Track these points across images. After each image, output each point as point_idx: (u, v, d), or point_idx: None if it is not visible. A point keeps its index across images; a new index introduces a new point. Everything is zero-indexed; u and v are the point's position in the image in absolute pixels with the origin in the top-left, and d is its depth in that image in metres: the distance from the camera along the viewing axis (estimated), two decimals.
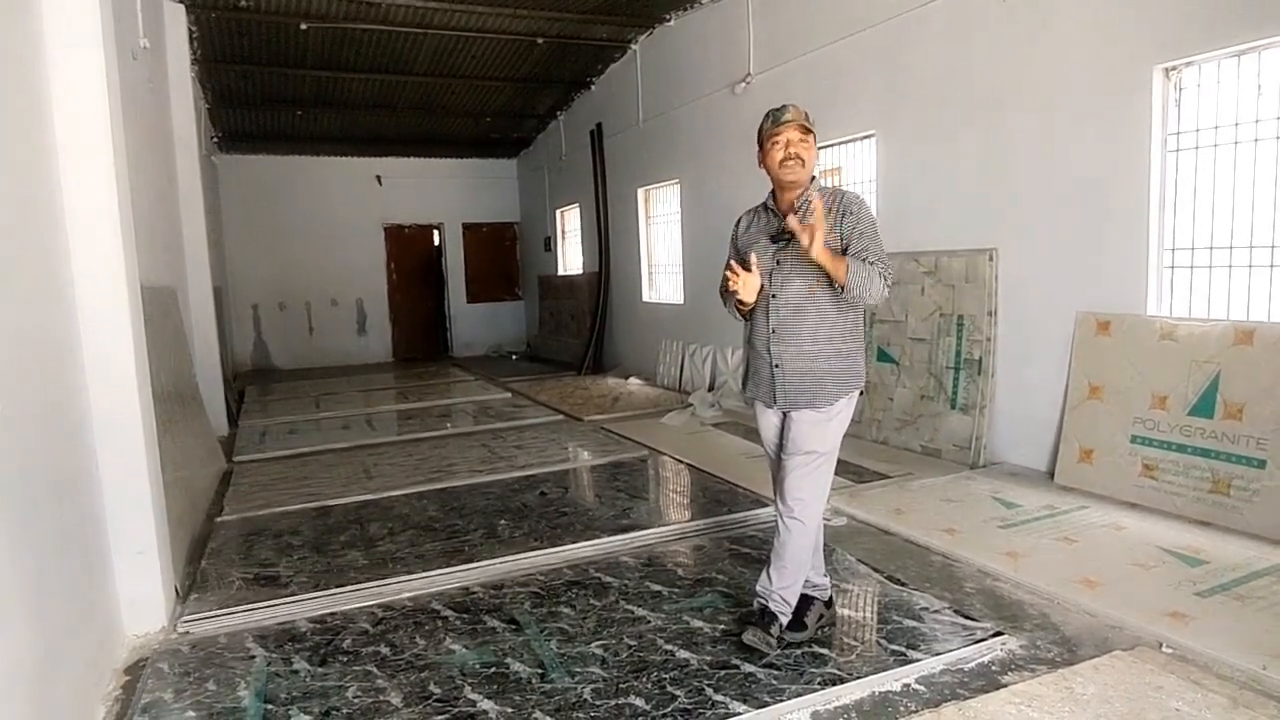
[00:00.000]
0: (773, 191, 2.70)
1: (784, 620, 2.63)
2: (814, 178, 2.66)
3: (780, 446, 2.74)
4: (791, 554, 2.62)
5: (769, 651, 2.57)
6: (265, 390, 9.87)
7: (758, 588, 2.70)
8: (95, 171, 2.76)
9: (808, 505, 2.62)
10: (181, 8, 6.84)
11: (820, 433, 2.61)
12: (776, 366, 2.64)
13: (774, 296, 2.61)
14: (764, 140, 2.63)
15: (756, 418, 2.84)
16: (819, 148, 6.50)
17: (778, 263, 2.60)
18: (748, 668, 2.52)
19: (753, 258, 2.58)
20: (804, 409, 2.61)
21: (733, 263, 2.57)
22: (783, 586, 2.63)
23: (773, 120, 2.59)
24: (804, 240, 2.42)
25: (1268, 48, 3.55)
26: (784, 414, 2.69)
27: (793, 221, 2.47)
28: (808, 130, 2.58)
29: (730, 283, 2.56)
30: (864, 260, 2.52)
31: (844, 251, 2.55)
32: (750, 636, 2.59)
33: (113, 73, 2.89)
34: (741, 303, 2.63)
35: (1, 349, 1.99)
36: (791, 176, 2.57)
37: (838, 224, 2.57)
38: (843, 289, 2.49)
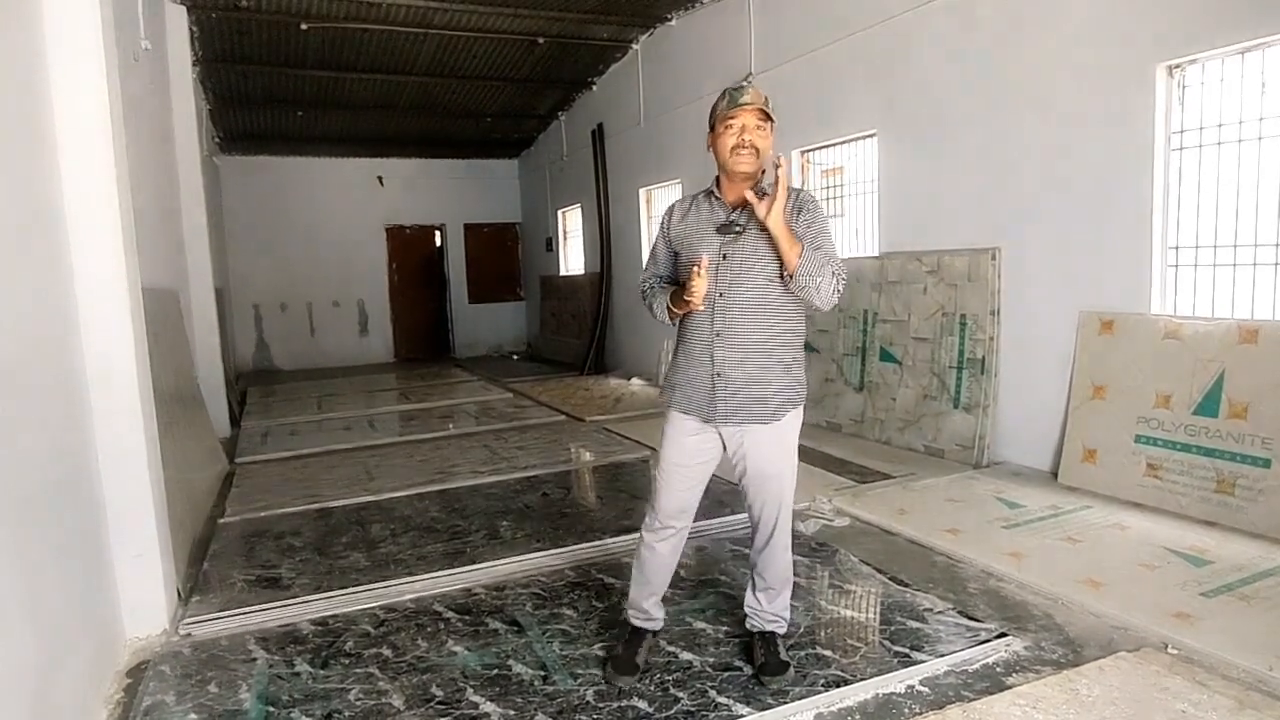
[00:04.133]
0: (717, 179, 2.44)
1: (782, 631, 2.58)
2: (764, 171, 2.39)
3: (699, 467, 2.46)
4: (777, 573, 2.54)
5: (792, 674, 2.46)
6: (267, 391, 9.87)
7: (747, 608, 2.60)
8: (96, 173, 2.75)
9: (789, 526, 2.53)
10: (183, 8, 6.83)
11: (785, 449, 2.45)
12: (718, 375, 2.36)
13: (720, 295, 2.34)
14: (716, 122, 2.35)
15: (670, 429, 2.48)
16: (820, 147, 6.54)
17: (724, 256, 2.34)
18: (751, 669, 2.51)
19: (704, 260, 2.27)
20: (750, 424, 2.37)
21: (697, 269, 2.25)
22: (774, 608, 2.55)
23: (729, 101, 2.30)
24: (760, 210, 2.22)
25: (1272, 45, 3.53)
26: (719, 431, 2.42)
27: (749, 194, 2.26)
28: (767, 117, 2.31)
29: (692, 290, 2.25)
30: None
31: None
32: (777, 682, 2.42)
33: (114, 74, 2.88)
34: (688, 306, 2.32)
35: (2, 351, 1.99)
36: (744, 167, 2.31)
37: (793, 220, 2.33)
38: (791, 276, 2.26)
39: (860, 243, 6.08)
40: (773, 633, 2.56)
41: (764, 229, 2.28)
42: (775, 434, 2.41)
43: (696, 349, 2.41)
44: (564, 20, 7.91)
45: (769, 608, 2.55)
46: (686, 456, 2.46)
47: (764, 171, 2.39)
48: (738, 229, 2.35)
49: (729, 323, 2.35)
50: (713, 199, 2.45)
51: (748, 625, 2.61)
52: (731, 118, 2.31)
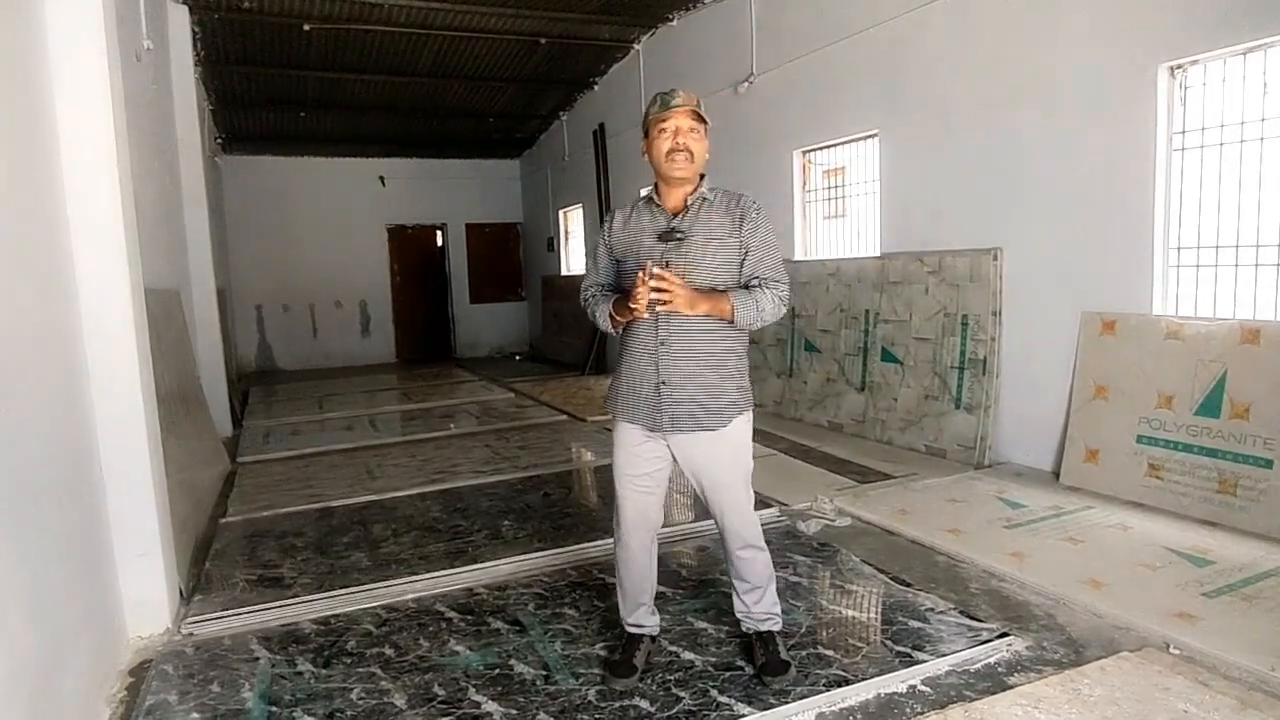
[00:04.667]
0: (656, 185, 2.42)
1: (778, 628, 2.57)
2: (703, 175, 2.39)
3: (649, 476, 2.47)
4: (756, 574, 2.51)
5: (794, 673, 2.46)
6: (269, 391, 9.89)
7: (738, 614, 2.58)
8: (99, 173, 2.76)
9: (758, 527, 2.51)
10: (185, 9, 6.85)
11: (737, 455, 2.43)
12: (663, 383, 2.34)
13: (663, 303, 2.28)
14: (649, 127, 2.33)
15: (619, 440, 2.48)
16: (822, 147, 6.54)
17: (667, 264, 2.30)
18: (752, 670, 2.51)
19: (648, 265, 2.21)
20: (698, 433, 2.36)
21: (642, 276, 2.18)
22: (763, 607, 2.53)
23: (660, 104, 2.29)
24: (680, 307, 2.18)
25: (1273, 45, 3.53)
26: (666, 441, 2.41)
27: (653, 296, 2.17)
28: (700, 119, 2.30)
29: (636, 297, 2.18)
30: (756, 277, 2.33)
31: (743, 260, 2.35)
32: (778, 681, 2.42)
33: (116, 74, 2.89)
34: (633, 314, 2.27)
35: (5, 351, 1.99)
36: (679, 171, 2.30)
37: (736, 227, 2.34)
38: (733, 322, 2.31)
39: (862, 243, 6.08)
40: (770, 632, 2.55)
41: (708, 235, 2.32)
42: (725, 441, 2.39)
43: (641, 358, 2.38)
44: (566, 21, 7.91)
45: (758, 608, 2.54)
46: (638, 465, 2.46)
47: (702, 176, 2.39)
48: (679, 236, 2.32)
49: (673, 331, 2.33)
50: (653, 206, 2.42)
51: (744, 629, 2.61)
52: (664, 121, 2.29)
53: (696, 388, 2.34)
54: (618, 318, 2.36)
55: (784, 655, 2.51)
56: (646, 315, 2.28)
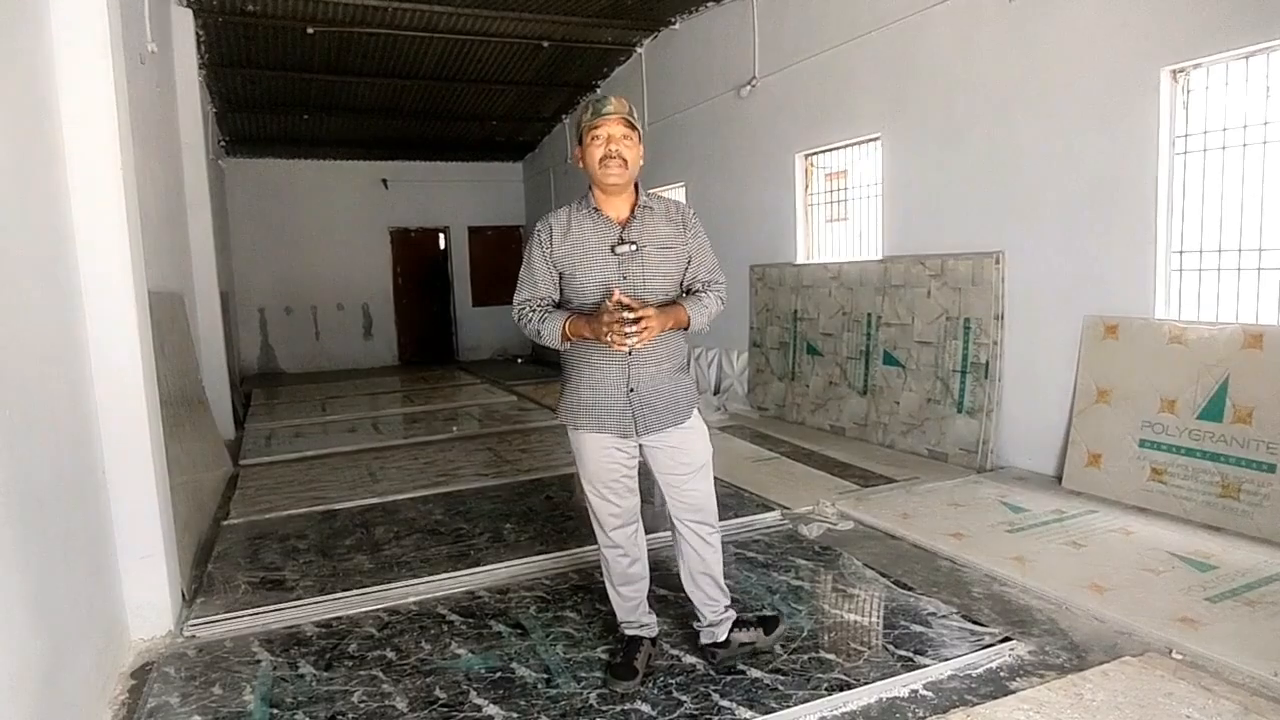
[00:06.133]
0: (592, 191, 2.42)
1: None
2: (637, 184, 2.40)
3: (625, 479, 2.49)
4: (717, 553, 2.59)
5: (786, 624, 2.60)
6: (271, 394, 9.90)
7: (710, 618, 2.58)
8: (103, 176, 2.77)
9: (716, 514, 2.58)
10: (189, 12, 6.87)
11: (703, 440, 2.53)
12: (632, 390, 2.37)
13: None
14: (582, 134, 2.33)
15: (588, 452, 2.44)
16: (824, 150, 6.54)
17: (624, 277, 2.33)
18: (754, 673, 2.51)
19: (616, 293, 2.20)
20: (668, 429, 2.43)
21: (620, 306, 2.17)
22: (726, 599, 2.60)
23: (592, 112, 2.29)
24: (655, 333, 2.21)
25: (1276, 49, 3.53)
26: (637, 443, 2.45)
27: (630, 339, 2.18)
28: (632, 126, 2.31)
29: (618, 328, 2.14)
30: (699, 280, 2.47)
31: (687, 265, 2.45)
32: (783, 624, 2.63)
33: (121, 77, 2.90)
34: (618, 347, 2.23)
35: (9, 354, 2.00)
36: (613, 179, 2.30)
37: (681, 234, 2.42)
38: (685, 328, 2.40)
39: (864, 246, 6.08)
40: (738, 617, 2.62)
41: (660, 243, 2.38)
42: (692, 430, 2.49)
43: (609, 370, 2.38)
44: (569, 24, 7.93)
45: (725, 599, 2.60)
46: (612, 471, 2.47)
47: (636, 185, 2.42)
48: (632, 246, 2.34)
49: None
50: (595, 215, 2.39)
51: (718, 639, 2.57)
52: (596, 128, 2.29)
53: (664, 388, 2.43)
54: (573, 339, 2.33)
55: (760, 614, 2.65)
56: (628, 350, 2.25)
